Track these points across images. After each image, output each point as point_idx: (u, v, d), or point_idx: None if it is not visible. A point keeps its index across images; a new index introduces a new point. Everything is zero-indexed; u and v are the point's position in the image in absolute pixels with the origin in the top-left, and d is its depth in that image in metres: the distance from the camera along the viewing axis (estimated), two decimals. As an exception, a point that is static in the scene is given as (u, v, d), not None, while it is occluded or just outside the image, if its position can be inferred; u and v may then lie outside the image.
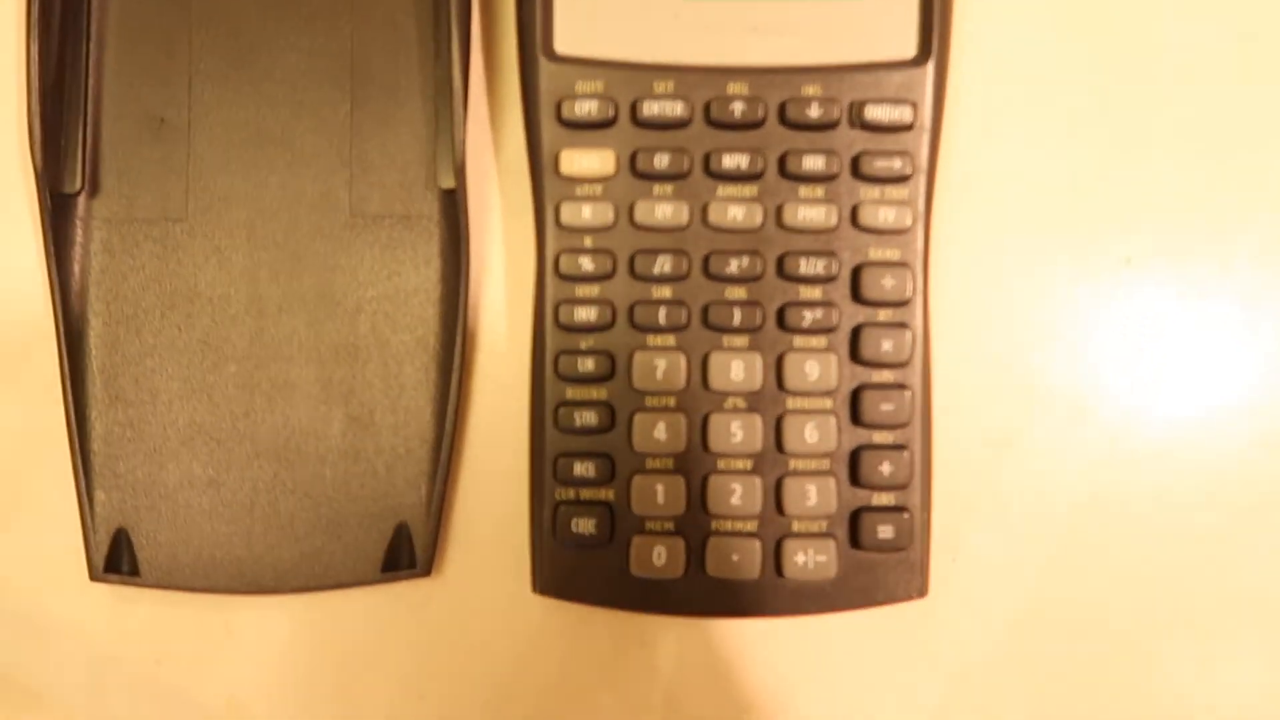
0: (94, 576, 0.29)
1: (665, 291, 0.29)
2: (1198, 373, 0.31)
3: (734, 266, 0.29)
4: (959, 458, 0.30)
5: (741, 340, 0.29)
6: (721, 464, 0.29)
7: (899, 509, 0.29)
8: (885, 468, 0.29)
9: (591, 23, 0.29)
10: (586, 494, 0.29)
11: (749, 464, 0.29)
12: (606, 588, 0.29)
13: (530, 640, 0.30)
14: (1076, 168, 0.31)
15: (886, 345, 0.29)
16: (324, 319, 0.30)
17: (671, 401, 0.29)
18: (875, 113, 0.29)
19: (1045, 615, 0.30)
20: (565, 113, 0.28)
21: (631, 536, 0.29)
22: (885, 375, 0.29)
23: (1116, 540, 0.31)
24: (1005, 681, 0.30)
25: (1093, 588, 0.31)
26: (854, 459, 0.29)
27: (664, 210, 0.29)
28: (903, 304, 0.29)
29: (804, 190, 0.29)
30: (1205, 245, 0.31)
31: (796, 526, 0.29)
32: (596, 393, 0.29)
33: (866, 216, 0.29)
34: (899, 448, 0.29)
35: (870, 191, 0.29)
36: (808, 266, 0.29)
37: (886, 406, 0.29)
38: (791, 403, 0.29)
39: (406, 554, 0.29)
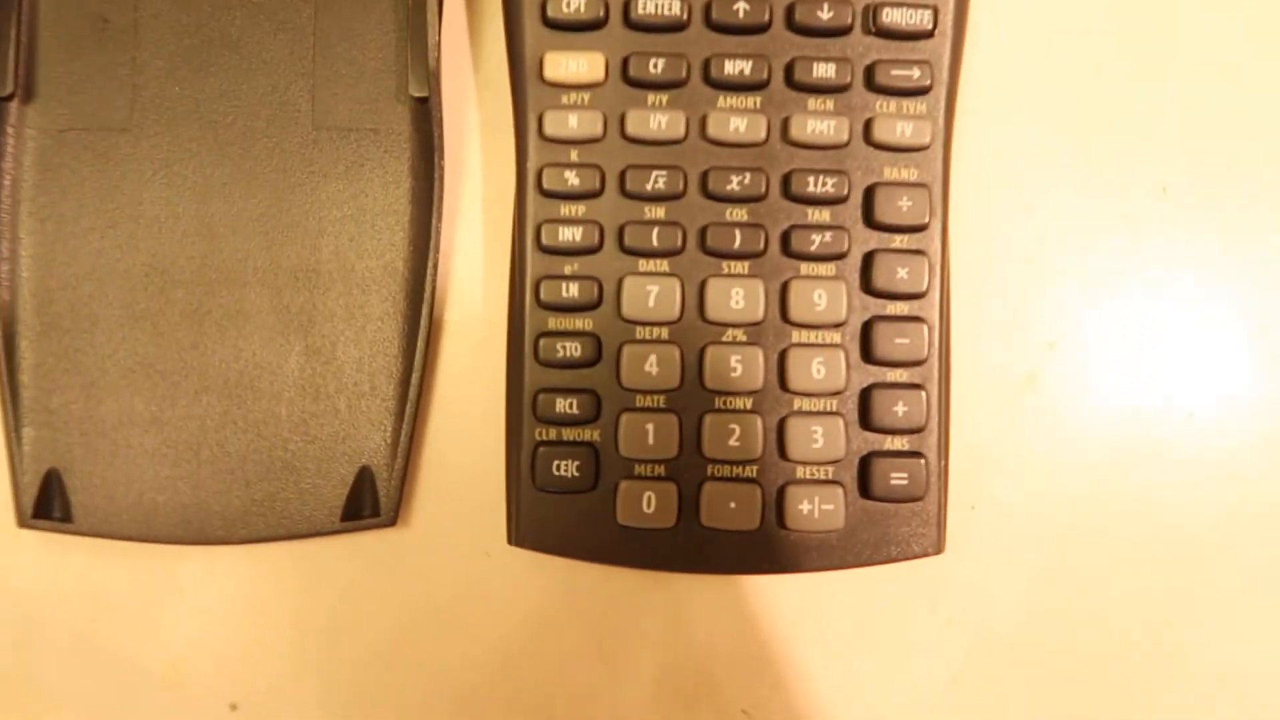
0: (22, 523, 0.28)
1: (659, 211, 0.28)
2: (1237, 307, 0.30)
3: (735, 185, 0.28)
4: (978, 399, 0.30)
5: (742, 266, 0.28)
6: (719, 402, 0.28)
7: (913, 454, 0.28)
8: (899, 409, 0.28)
9: (580, -89, 0.28)
10: (569, 434, 0.28)
11: (749, 403, 0.28)
12: (590, 539, 0.28)
13: (505, 598, 0.29)
14: (1112, 88, 0.30)
15: (901, 274, 0.28)
16: (281, 241, 0.29)
17: (664, 333, 0.28)
18: (892, 16, 0.28)
19: (1070, 571, 0.30)
20: (550, 11, 0.28)
21: (618, 481, 0.28)
22: (900, 307, 0.28)
23: (1148, 488, 0.30)
24: (1028, 644, 0.30)
25: (1121, 541, 0.30)
26: (864, 399, 0.28)
27: (658, 121, 0.28)
28: (920, 229, 0.28)
29: (813, 102, 0.28)
30: (1244, 176, 0.30)
31: (801, 472, 0.28)
32: (581, 322, 0.28)
33: (881, 131, 0.28)
34: (914, 387, 0.28)
35: (886, 104, 0.28)
36: (816, 186, 0.28)
37: (901, 341, 0.28)
38: (796, 335, 0.28)
39: (369, 501, 0.29)
